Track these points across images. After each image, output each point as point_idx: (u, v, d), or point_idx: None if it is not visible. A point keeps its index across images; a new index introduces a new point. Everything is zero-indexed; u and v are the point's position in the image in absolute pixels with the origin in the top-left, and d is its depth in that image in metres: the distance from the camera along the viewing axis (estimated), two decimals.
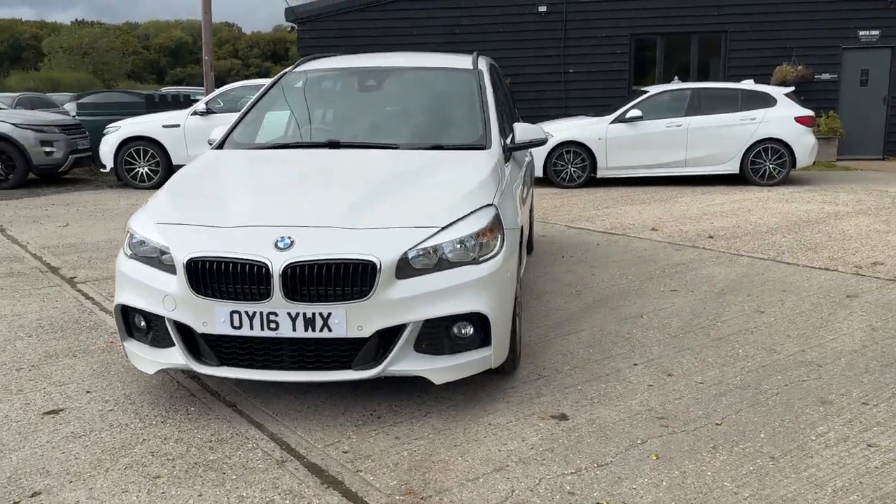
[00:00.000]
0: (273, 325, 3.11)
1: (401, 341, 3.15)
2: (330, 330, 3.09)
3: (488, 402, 3.47)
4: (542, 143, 4.59)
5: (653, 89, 11.68)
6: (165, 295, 3.23)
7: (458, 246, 3.25)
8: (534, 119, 12.98)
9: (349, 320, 3.08)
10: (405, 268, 3.14)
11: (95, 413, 3.42)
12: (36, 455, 3.03)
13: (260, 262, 3.07)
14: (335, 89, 4.78)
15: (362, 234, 3.18)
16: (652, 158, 11.27)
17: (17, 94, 23.12)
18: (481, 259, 3.29)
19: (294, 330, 3.10)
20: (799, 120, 11.04)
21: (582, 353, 4.12)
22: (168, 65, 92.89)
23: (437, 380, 3.24)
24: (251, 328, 3.12)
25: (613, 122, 11.29)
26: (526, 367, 3.91)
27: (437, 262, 3.21)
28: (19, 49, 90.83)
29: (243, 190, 3.66)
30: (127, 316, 3.45)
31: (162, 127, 11.69)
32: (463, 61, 4.82)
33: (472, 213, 3.37)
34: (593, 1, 14.71)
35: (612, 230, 7.84)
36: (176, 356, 3.28)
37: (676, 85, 12.03)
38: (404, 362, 3.19)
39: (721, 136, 11.10)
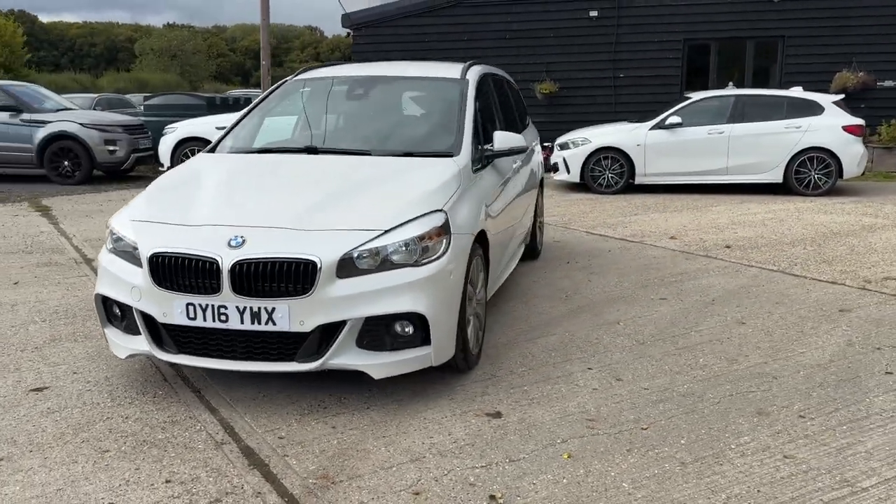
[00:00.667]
0: (223, 318, 3.37)
1: (340, 337, 3.36)
2: (274, 324, 3.33)
3: (432, 399, 3.64)
4: (521, 150, 4.74)
5: (695, 95, 11.55)
6: (133, 286, 3.53)
7: (402, 248, 3.44)
8: (581, 124, 13.05)
9: (292, 315, 3.31)
10: (347, 267, 3.35)
11: (74, 392, 3.75)
12: (10, 426, 3.37)
13: (212, 258, 3.34)
14: (326, 97, 5.03)
15: (309, 235, 3.41)
16: (692, 166, 11.15)
17: (97, 94, 24.42)
18: (423, 262, 3.47)
19: (242, 323, 3.35)
20: (847, 129, 10.72)
21: (543, 356, 4.24)
22: (253, 67, 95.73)
23: (376, 374, 3.44)
24: (204, 319, 3.39)
25: (653, 128, 11.22)
26: (483, 367, 4.06)
27: (380, 263, 3.41)
28: (115, 51, 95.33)
29: (214, 191, 3.94)
30: (107, 305, 3.77)
31: (216, 128, 12.23)
32: (453, 71, 4.99)
33: (418, 217, 3.55)
34: (645, 6, 14.59)
35: (630, 237, 7.85)
36: (142, 343, 3.58)
37: (719, 91, 11.85)
38: (345, 357, 3.40)
39: (764, 145, 10.89)
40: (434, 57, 15.03)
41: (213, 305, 3.36)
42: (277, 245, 3.36)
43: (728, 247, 7.34)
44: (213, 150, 4.64)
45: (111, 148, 12.56)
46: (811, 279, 6.02)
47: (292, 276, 3.30)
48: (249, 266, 3.31)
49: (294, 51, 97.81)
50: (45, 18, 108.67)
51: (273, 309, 3.32)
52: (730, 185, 11.27)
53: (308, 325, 3.32)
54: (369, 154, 4.30)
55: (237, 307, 3.34)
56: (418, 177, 3.95)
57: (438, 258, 3.51)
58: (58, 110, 13.06)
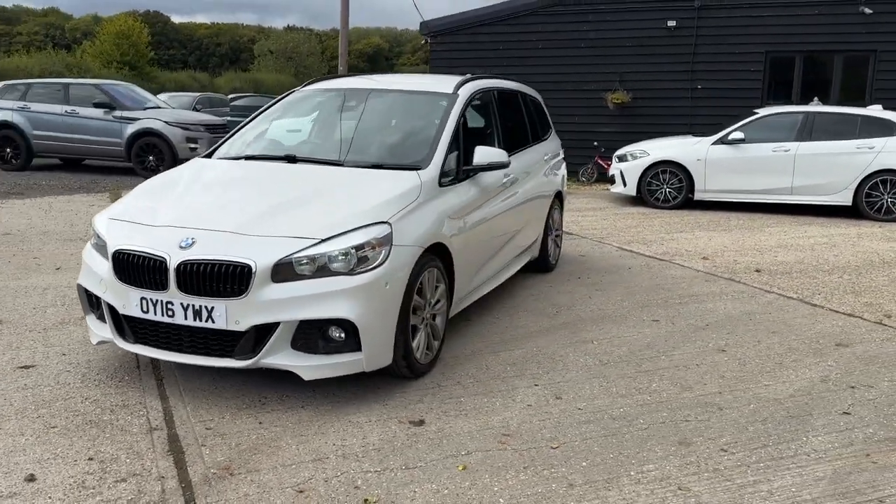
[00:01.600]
0: (170, 313, 3.64)
1: (273, 338, 3.57)
2: (213, 322, 3.58)
3: (367, 403, 3.79)
4: (501, 166, 4.81)
5: (762, 111, 11.16)
6: (101, 279, 3.87)
7: (340, 257, 3.61)
8: (653, 135, 12.84)
9: (229, 315, 3.55)
10: (283, 272, 3.55)
11: (54, 372, 4.13)
12: (27, 395, 3.75)
13: (161, 257, 3.62)
14: (321, 108, 5.27)
15: (251, 240, 3.63)
16: (754, 184, 10.78)
17: (199, 94, 25.81)
18: (359, 271, 3.63)
19: (186, 319, 3.62)
20: None
21: (498, 370, 4.31)
22: (365, 69, 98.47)
23: (306, 376, 3.63)
24: (155, 314, 3.68)
25: (715, 143, 10.93)
26: (433, 376, 4.17)
27: (317, 269, 3.59)
28: (238, 51, 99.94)
29: (186, 195, 4.23)
30: (88, 294, 4.12)
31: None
32: (447, 85, 5.12)
33: (359, 228, 3.71)
34: (727, 16, 14.16)
35: (661, 255, 7.72)
36: (108, 331, 3.91)
37: (788, 107, 11.38)
38: (278, 356, 3.60)
39: (832, 165, 10.41)
40: (510, 64, 15.14)
41: (161, 301, 3.64)
42: (221, 248, 3.60)
43: (758, 271, 7.11)
44: (209, 155, 4.96)
45: (192, 145, 13.32)
46: (827, 309, 5.78)
47: (230, 278, 3.54)
48: (193, 266, 3.57)
49: (405, 54, 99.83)
50: (177, 19, 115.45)
51: (212, 308, 3.56)
52: (796, 205, 10.80)
53: (243, 325, 3.55)
54: (341, 164, 4.48)
55: (182, 304, 3.60)
56: (375, 188, 4.11)
57: (374, 268, 3.66)
58: (147, 108, 13.97)
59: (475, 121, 5.47)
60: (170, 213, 3.94)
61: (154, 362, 4.26)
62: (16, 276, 6.19)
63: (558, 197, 6.82)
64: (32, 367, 4.21)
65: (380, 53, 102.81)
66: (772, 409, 3.85)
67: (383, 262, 3.70)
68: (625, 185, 11.47)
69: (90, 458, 3.18)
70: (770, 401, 3.95)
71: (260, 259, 3.53)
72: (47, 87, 13.94)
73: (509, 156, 5.36)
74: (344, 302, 3.57)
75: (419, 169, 4.36)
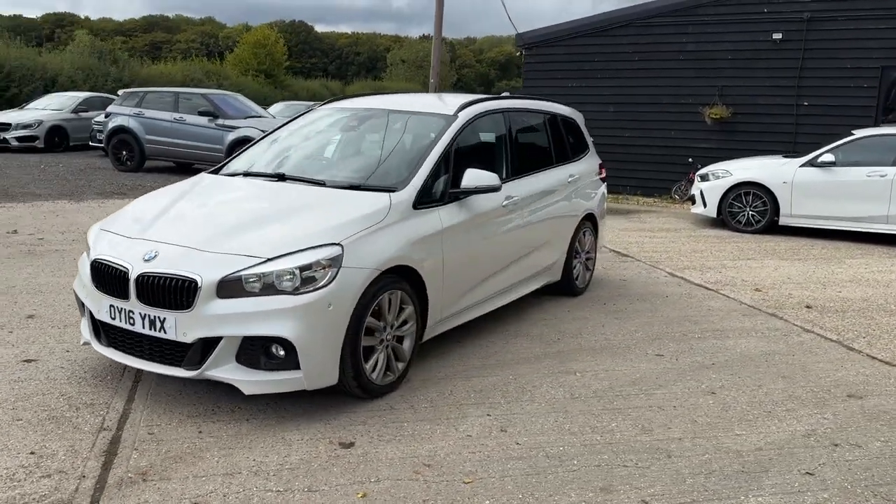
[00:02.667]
0: (131, 321, 3.88)
1: (216, 351, 3.72)
2: (165, 332, 3.78)
3: (309, 421, 3.87)
4: (491, 189, 4.78)
5: (860, 132, 10.37)
6: (84, 285, 4.17)
7: (285, 276, 3.72)
8: (753, 153, 12.23)
9: (178, 326, 3.74)
10: (228, 289, 3.70)
11: (49, 368, 4.48)
12: (11, 387, 4.12)
13: (125, 268, 3.86)
14: (326, 128, 5.41)
15: (206, 256, 3.81)
16: (845, 210, 10.03)
17: (312, 102, 26.83)
18: (303, 291, 3.72)
19: (143, 327, 3.84)
20: None
21: (461, 396, 4.28)
22: (496, 77, 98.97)
23: (247, 390, 3.76)
24: (119, 320, 3.93)
25: (804, 165, 10.27)
26: (391, 398, 4.20)
27: (263, 287, 3.72)
28: (375, 60, 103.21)
29: (171, 209, 4.47)
30: (78, 298, 4.45)
31: None
32: (450, 106, 5.13)
33: (308, 248, 3.81)
34: (837, 28, 13.24)
35: (710, 284, 7.35)
36: (89, 334, 4.21)
37: (887, 129, 10.48)
38: (222, 370, 3.75)
39: None
40: (604, 77, 14.85)
41: (125, 309, 3.88)
42: (176, 263, 3.79)
43: (809, 307, 6.63)
44: (218, 170, 5.21)
45: None
46: (864, 355, 5.33)
47: (178, 292, 3.72)
48: (149, 279, 3.78)
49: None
50: (321, 29, 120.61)
51: (164, 318, 3.76)
52: (892, 236, 9.95)
53: (190, 337, 3.72)
54: (323, 184, 4.59)
55: (140, 313, 3.83)
56: (341, 209, 4.19)
57: (318, 289, 3.74)
58: (248, 117, 14.74)
59: (478, 142, 5.42)
60: (150, 226, 4.19)
61: None
62: (72, 272, 6.71)
63: (589, 219, 6.64)
64: (35, 361, 4.57)
65: (511, 62, 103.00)
66: (727, 461, 3.60)
67: (328, 283, 3.76)
68: (705, 205, 10.98)
69: (32, 452, 3.43)
70: (730, 452, 3.70)
71: (206, 275, 3.69)
72: (160, 96, 14.99)
73: (521, 177, 5.33)
74: (283, 321, 3.66)
75: (394, 191, 4.39)
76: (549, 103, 6.52)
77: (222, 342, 3.70)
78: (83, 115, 18.59)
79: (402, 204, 4.34)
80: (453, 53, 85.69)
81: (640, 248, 9.11)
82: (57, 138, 18.27)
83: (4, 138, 17.60)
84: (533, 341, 5.32)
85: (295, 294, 3.71)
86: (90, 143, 17.80)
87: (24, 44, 28.92)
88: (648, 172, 14.86)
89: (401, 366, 4.33)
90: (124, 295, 3.87)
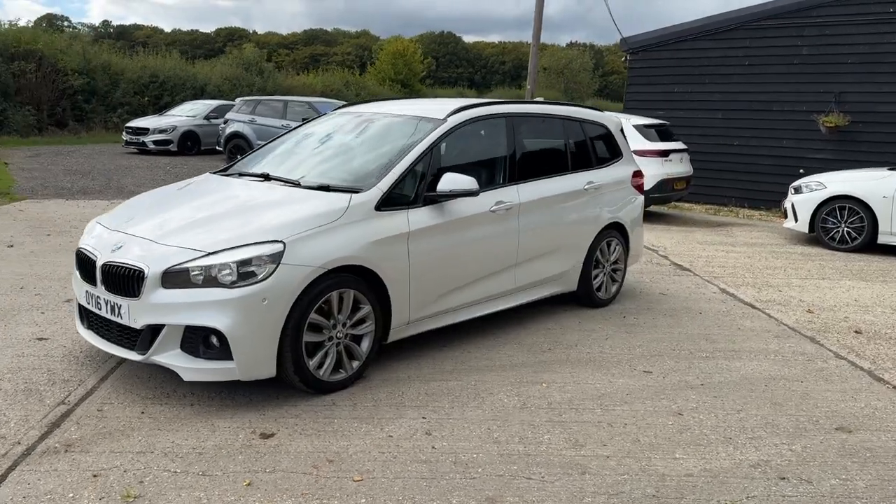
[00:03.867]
0: (99, 306, 4.22)
1: (160, 338, 3.97)
2: (121, 318, 4.08)
3: (246, 410, 4.04)
4: (468, 193, 4.78)
5: None
6: (74, 272, 4.58)
7: (226, 270, 3.91)
8: (873, 164, 11.28)
9: (130, 313, 4.02)
10: (172, 280, 3.94)
11: (54, 346, 4.92)
12: (11, 360, 4.61)
13: (94, 257, 4.21)
14: (326, 131, 5.57)
15: (159, 248, 4.08)
16: None
17: None
18: (239, 284, 3.90)
19: (106, 312, 4.17)
20: None
21: (409, 398, 4.30)
22: (616, 83, 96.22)
23: (186, 377, 3.98)
24: (91, 305, 4.28)
25: None
26: (340, 395, 4.28)
27: (205, 280, 3.93)
28: (520, 68, 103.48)
29: (158, 204, 4.78)
30: None
31: None
32: (443, 110, 5.17)
33: (250, 244, 3.98)
34: None
35: (759, 303, 6.89)
36: (77, 317, 4.61)
37: None
38: (166, 355, 4.00)
39: None
40: (712, 82, 14.21)
41: (94, 295, 4.23)
42: (132, 254, 4.09)
43: (858, 332, 6.08)
44: (225, 169, 5.51)
45: None
46: (891, 387, 4.84)
47: (130, 281, 4.01)
48: (110, 268, 4.10)
49: None
50: (469, 39, 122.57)
51: (120, 305, 4.06)
52: None
53: (139, 323, 4.00)
54: (297, 184, 4.76)
55: (104, 299, 4.15)
56: (298, 208, 4.33)
57: (254, 284, 3.90)
58: None
59: (470, 146, 5.40)
60: (131, 219, 4.52)
61: None
62: None
63: (617, 228, 6.41)
64: (46, 340, 5.03)
65: None
66: (643, 484, 3.41)
67: (265, 278, 3.91)
68: (796, 220, 10.25)
69: None
70: (654, 476, 3.50)
71: (153, 266, 3.95)
72: (270, 104, 15.88)
73: (522, 183, 5.30)
74: (217, 313, 3.85)
75: (358, 192, 4.48)
76: (578, 109, 6.37)
77: (165, 330, 3.93)
78: (214, 121, 20.01)
79: (363, 205, 4.42)
80: (598, 60, 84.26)
81: (707, 263, 8.65)
82: (189, 142, 19.77)
83: (143, 142, 19.27)
84: (520, 349, 5.22)
85: (231, 287, 3.88)
86: (216, 148, 19.13)
87: (180, 56, 31.44)
88: (756, 184, 14.03)
89: (355, 364, 4.40)
90: (94, 282, 4.21)
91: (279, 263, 3.95)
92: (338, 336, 4.27)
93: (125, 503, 3.09)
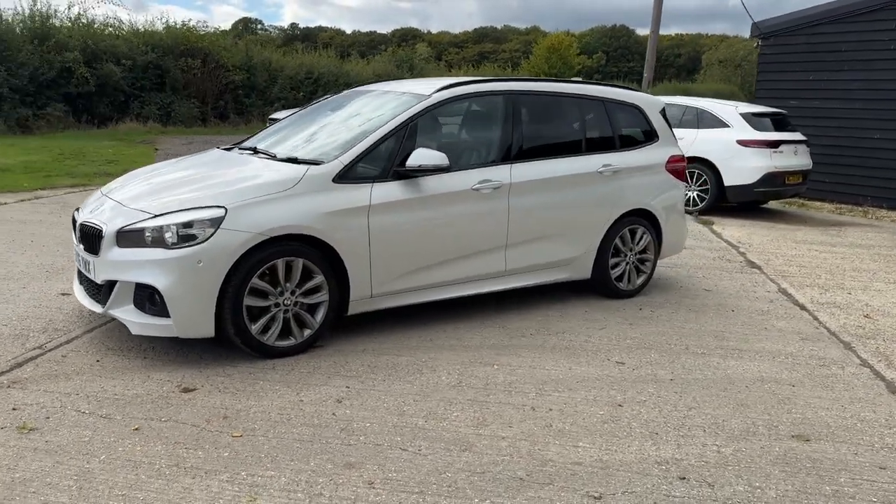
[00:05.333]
0: (80, 263, 4.62)
1: (114, 293, 4.28)
2: (90, 273, 4.45)
3: (188, 365, 4.25)
4: (439, 169, 4.76)
5: None
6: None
7: (167, 231, 4.14)
8: None
9: (95, 269, 4.38)
10: (125, 239, 4.23)
11: (68, 301, 5.39)
12: (26, 309, 5.18)
13: (75, 219, 4.62)
14: (328, 108, 5.69)
15: (121, 210, 4.40)
16: None
17: None
18: (179, 246, 4.13)
19: (84, 269, 4.56)
20: None
21: (347, 368, 4.33)
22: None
23: (133, 330, 4.26)
24: (77, 263, 4.70)
25: None
26: (286, 361, 4.38)
27: (153, 240, 4.20)
28: (696, 61, 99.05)
29: (154, 173, 5.12)
30: None
31: None
32: (430, 88, 5.15)
33: (192, 209, 4.20)
34: None
35: (811, 305, 6.27)
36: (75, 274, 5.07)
37: None
38: (120, 310, 4.31)
39: None
40: (852, 69, 13.00)
41: (80, 255, 4.63)
42: (101, 215, 4.44)
43: None
44: (237, 145, 5.80)
45: None
46: None
47: (93, 239, 4.36)
48: (83, 227, 4.48)
49: None
50: (643, 32, 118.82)
51: (89, 262, 4.43)
52: None
53: (100, 279, 4.34)
54: (274, 157, 4.92)
55: (82, 257, 4.55)
56: (255, 178, 4.50)
57: (192, 246, 4.11)
58: None
59: (457, 123, 5.31)
60: (124, 186, 4.89)
61: None
62: None
63: (643, 215, 6.05)
64: (69, 295, 5.53)
65: None
66: (517, 466, 3.26)
67: (203, 241, 4.11)
68: None
69: None
70: (538, 461, 3.33)
71: (109, 226, 4.27)
72: None
73: (519, 162, 5.23)
74: (156, 272, 4.10)
75: (318, 164, 4.58)
76: (603, 88, 6.08)
77: (117, 285, 4.24)
78: None
79: (320, 177, 4.50)
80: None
81: (787, 262, 7.93)
82: None
83: None
84: (500, 332, 5.10)
85: (171, 248, 4.11)
86: None
87: (334, 55, 33.00)
88: None
89: (307, 333, 4.49)
90: (78, 241, 4.61)
91: (218, 228, 4.12)
92: (285, 303, 4.37)
93: (20, 433, 3.37)
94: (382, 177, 4.70)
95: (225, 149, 5.54)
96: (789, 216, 11.66)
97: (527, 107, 5.47)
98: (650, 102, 6.31)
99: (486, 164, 5.21)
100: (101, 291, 4.42)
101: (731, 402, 4.08)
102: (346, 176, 4.58)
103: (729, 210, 11.34)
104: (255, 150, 5.20)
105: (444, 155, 4.74)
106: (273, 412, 3.70)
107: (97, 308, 4.42)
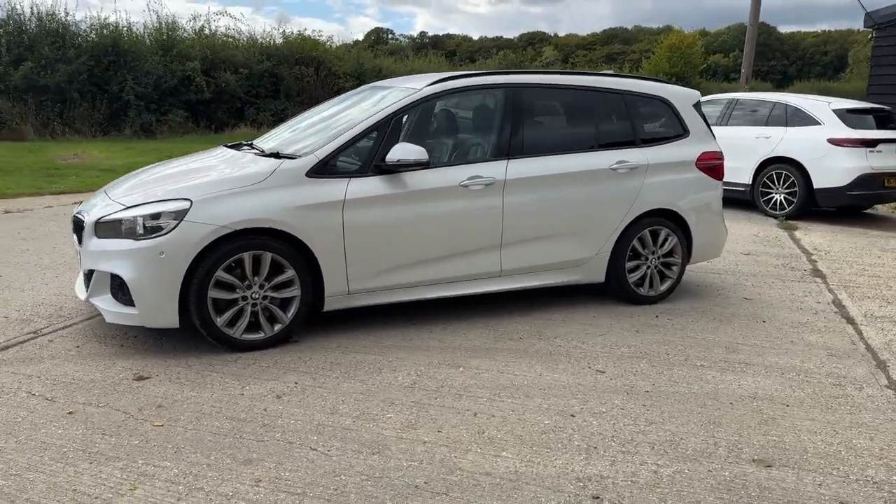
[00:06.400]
0: (77, 256, 4.84)
1: (92, 282, 4.44)
2: (80, 264, 4.65)
3: (155, 355, 4.34)
4: (418, 164, 4.65)
5: None
6: None
7: (135, 223, 4.26)
8: None
9: (83, 259, 4.58)
10: (102, 230, 4.38)
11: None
12: (46, 297, 5.52)
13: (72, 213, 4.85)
14: (336, 103, 5.66)
15: (105, 203, 4.57)
16: None
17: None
18: (144, 237, 4.24)
19: (78, 261, 4.77)
20: None
21: (307, 365, 4.28)
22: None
23: (107, 319, 4.40)
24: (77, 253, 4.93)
25: None
26: (251, 354, 4.41)
27: (125, 231, 4.32)
28: (843, 59, 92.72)
29: (147, 170, 5.27)
30: None
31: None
32: (427, 81, 5.04)
33: (159, 201, 4.30)
34: None
35: (859, 318, 5.64)
36: None
37: None
38: (98, 298, 4.46)
39: None
40: None
41: (75, 245, 4.86)
42: (89, 208, 4.62)
43: None
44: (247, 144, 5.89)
45: None
46: None
47: (79, 230, 4.55)
48: (74, 219, 4.69)
49: None
50: (785, 29, 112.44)
51: (79, 252, 4.63)
52: None
53: (85, 268, 4.52)
54: (262, 152, 4.96)
55: (76, 249, 4.76)
56: (230, 172, 4.55)
57: (156, 237, 4.20)
58: None
59: (451, 118, 5.14)
60: (121, 183, 5.08)
61: None
62: None
63: (667, 216, 5.65)
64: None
65: None
66: (418, 473, 3.09)
67: (167, 233, 4.19)
68: None
69: None
70: (446, 468, 3.14)
71: (89, 218, 4.44)
72: None
73: (516, 158, 5.08)
74: (121, 262, 4.22)
75: (294, 158, 4.58)
76: (626, 80, 5.73)
77: (94, 275, 4.39)
78: None
79: (291, 171, 4.48)
80: None
81: (858, 272, 7.20)
82: None
83: None
84: (487, 334, 4.90)
85: (138, 240, 4.22)
86: None
87: (443, 60, 33.27)
88: None
89: (277, 327, 4.48)
90: (72, 231, 4.83)
91: (182, 220, 4.18)
92: (253, 297, 4.38)
93: None
94: (362, 172, 4.62)
95: (230, 146, 5.63)
96: (884, 221, 10.61)
97: (529, 101, 5.23)
98: (681, 95, 5.89)
99: (480, 160, 5.02)
100: (87, 280, 4.58)
101: (702, 420, 3.70)
102: (322, 170, 4.54)
103: (825, 215, 10.46)
104: (251, 146, 5.25)
105: (423, 149, 4.60)
106: (207, 404, 3.70)
107: (84, 296, 4.59)
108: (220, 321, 4.31)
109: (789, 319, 5.48)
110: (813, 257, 7.81)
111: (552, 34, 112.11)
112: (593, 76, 5.68)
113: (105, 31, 22.97)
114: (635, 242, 5.55)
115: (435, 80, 5.01)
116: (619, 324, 5.21)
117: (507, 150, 5.07)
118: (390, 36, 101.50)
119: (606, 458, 3.26)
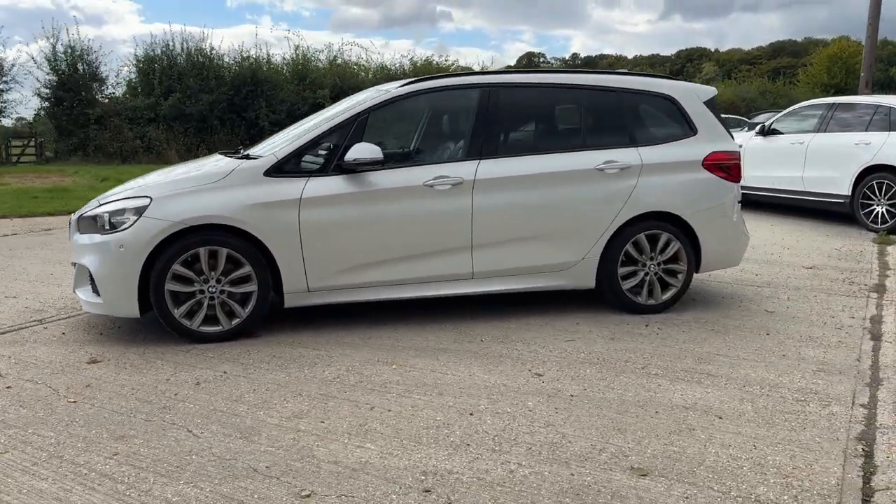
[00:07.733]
0: None
1: (75, 274, 4.86)
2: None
3: (127, 343, 4.66)
4: (374, 163, 4.72)
5: None
6: None
7: (105, 219, 4.62)
8: None
9: (74, 253, 5.01)
10: (83, 226, 4.78)
11: None
12: (69, 292, 6.08)
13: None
14: (333, 107, 5.80)
15: (95, 201, 4.98)
16: None
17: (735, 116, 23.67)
18: (110, 231, 4.57)
19: None
20: None
21: (253, 357, 4.42)
22: None
23: (84, 308, 4.77)
24: None
25: None
26: (208, 346, 4.62)
27: (98, 226, 4.69)
28: None
29: (147, 175, 5.66)
30: None
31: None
32: (399, 84, 5.11)
33: (123, 199, 4.64)
34: None
35: (887, 335, 5.06)
36: None
37: None
38: (81, 290, 4.86)
39: None
40: None
41: None
42: (85, 206, 5.06)
43: None
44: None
45: None
46: (858, 451, 3.36)
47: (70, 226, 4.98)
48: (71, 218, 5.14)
49: None
50: None
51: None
52: None
53: (74, 261, 4.95)
54: (247, 157, 5.15)
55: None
56: (195, 172, 4.82)
57: (117, 232, 4.52)
58: None
59: (420, 118, 5.12)
60: (124, 185, 5.50)
61: None
62: None
63: (670, 220, 5.32)
64: None
65: None
66: (263, 458, 3.11)
67: (127, 228, 4.50)
68: None
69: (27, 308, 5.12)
70: (299, 456, 3.14)
71: (74, 214, 4.86)
72: None
73: (492, 158, 5.03)
74: (90, 255, 4.58)
75: (255, 158, 4.78)
76: (623, 77, 5.48)
77: (76, 267, 4.79)
78: None
79: (249, 171, 4.67)
80: None
81: None
82: None
83: None
84: (449, 336, 4.82)
85: (103, 234, 4.56)
86: None
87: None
88: None
89: (235, 321, 4.67)
90: None
91: (141, 216, 4.48)
92: (210, 290, 4.59)
93: None
94: (323, 171, 4.73)
95: (222, 152, 5.93)
96: None
97: (507, 101, 5.13)
98: (689, 92, 5.54)
99: (449, 161, 4.98)
100: None
101: (607, 426, 3.45)
102: (281, 170, 4.69)
103: None
104: (236, 152, 5.49)
105: (378, 148, 4.65)
106: (130, 386, 3.91)
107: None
108: (177, 312, 4.54)
109: (799, 333, 4.97)
110: (887, 272, 7.02)
111: (713, 49, 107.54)
112: (587, 74, 5.47)
113: (246, 62, 24.73)
114: (629, 247, 5.26)
115: (408, 81, 5.03)
116: (599, 331, 4.96)
117: (479, 150, 4.99)
118: (542, 59, 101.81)
119: (469, 456, 3.12)
